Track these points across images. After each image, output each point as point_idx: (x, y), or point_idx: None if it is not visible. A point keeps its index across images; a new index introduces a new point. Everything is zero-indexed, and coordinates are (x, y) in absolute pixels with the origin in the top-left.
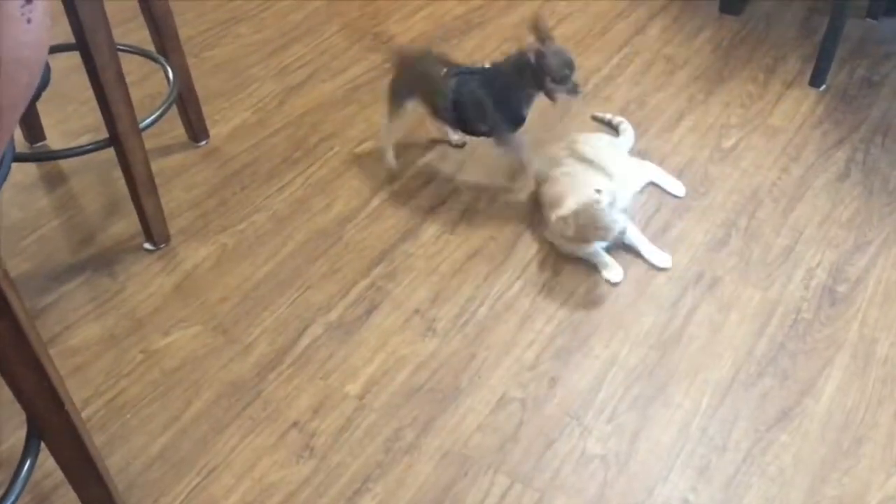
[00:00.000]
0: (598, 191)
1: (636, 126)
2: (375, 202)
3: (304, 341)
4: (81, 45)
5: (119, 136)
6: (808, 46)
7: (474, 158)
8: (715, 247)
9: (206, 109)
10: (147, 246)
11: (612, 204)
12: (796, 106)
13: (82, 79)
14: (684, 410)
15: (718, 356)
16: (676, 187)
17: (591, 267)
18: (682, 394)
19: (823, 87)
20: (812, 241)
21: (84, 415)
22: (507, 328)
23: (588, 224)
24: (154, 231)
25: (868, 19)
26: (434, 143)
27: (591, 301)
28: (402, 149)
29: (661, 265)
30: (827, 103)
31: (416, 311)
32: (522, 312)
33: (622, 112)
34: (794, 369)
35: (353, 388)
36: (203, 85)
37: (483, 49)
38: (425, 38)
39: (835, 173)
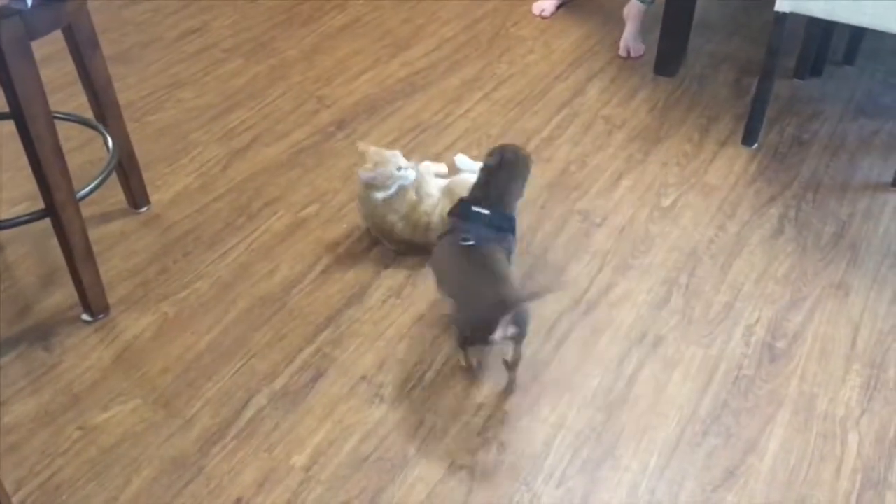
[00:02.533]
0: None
1: (577, 186)
2: (320, 267)
3: (249, 412)
4: (17, 115)
5: (55, 207)
6: (740, 106)
7: None
8: (657, 305)
9: (147, 175)
10: (85, 317)
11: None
12: (730, 164)
13: (18, 145)
14: (632, 472)
15: (664, 416)
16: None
17: (537, 330)
18: (630, 455)
19: (755, 145)
20: (750, 298)
21: (17, 498)
22: (454, 393)
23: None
24: (92, 301)
25: (796, 79)
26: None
27: (537, 363)
28: (347, 212)
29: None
30: (759, 161)
31: (363, 378)
32: (469, 377)
33: (562, 173)
34: (738, 427)
35: (299, 460)
36: (144, 150)
37: (427, 110)
38: (369, 101)
39: (769, 230)
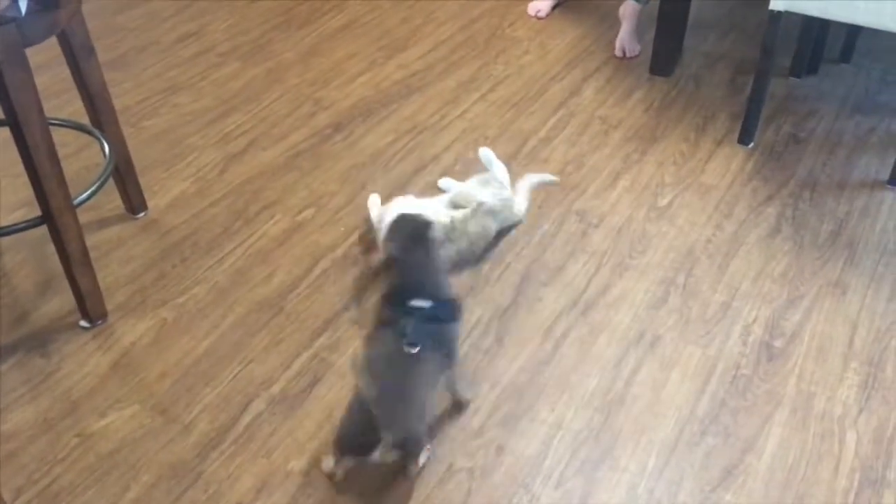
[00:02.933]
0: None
1: (574, 186)
2: (317, 271)
3: (247, 418)
4: (12, 122)
5: (52, 214)
6: (736, 105)
7: None
8: (655, 305)
9: (144, 180)
10: (83, 323)
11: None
12: (727, 163)
13: (14, 152)
14: (631, 473)
15: (662, 416)
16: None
17: (535, 331)
18: (628, 456)
19: (751, 144)
20: (748, 297)
21: None
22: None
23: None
24: (90, 308)
25: (791, 78)
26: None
27: (535, 365)
28: (344, 215)
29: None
30: (756, 160)
31: None
32: (467, 378)
33: (559, 174)
34: (736, 427)
35: (297, 465)
36: (141, 155)
37: (424, 112)
38: (366, 103)
39: (766, 229)
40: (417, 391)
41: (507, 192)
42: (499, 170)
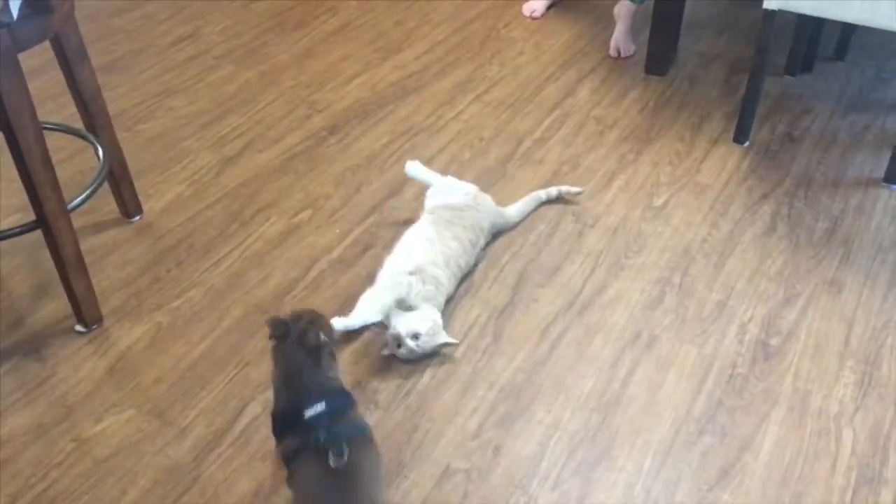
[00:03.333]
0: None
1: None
2: (314, 273)
3: (244, 421)
4: (5, 127)
5: (46, 219)
6: (731, 104)
7: (415, 221)
8: (651, 305)
9: (139, 184)
10: (78, 328)
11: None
12: (722, 162)
13: (8, 157)
14: (628, 473)
15: (659, 416)
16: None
17: (531, 332)
18: (625, 456)
19: (747, 143)
20: (744, 296)
21: None
22: (449, 397)
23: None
24: (85, 312)
25: (786, 76)
26: (373, 208)
27: (531, 366)
28: (340, 217)
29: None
30: (751, 159)
31: (357, 384)
32: (464, 380)
33: (555, 175)
34: (733, 426)
35: None
36: (136, 159)
37: (419, 113)
38: (361, 105)
39: (762, 227)
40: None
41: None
42: (436, 180)
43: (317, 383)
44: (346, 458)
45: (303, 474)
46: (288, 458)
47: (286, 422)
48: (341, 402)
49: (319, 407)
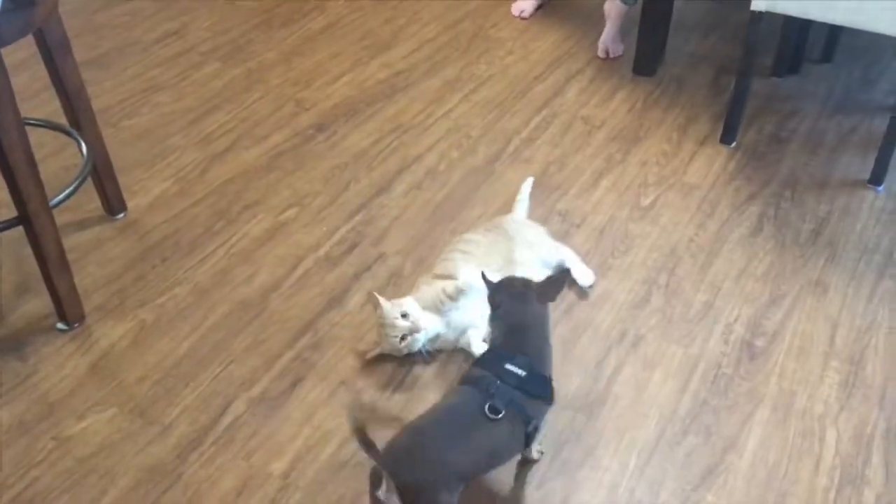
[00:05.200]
0: (405, 314)
1: (557, 187)
2: (300, 271)
3: (227, 419)
4: None
5: (28, 215)
6: (718, 105)
7: (402, 221)
8: (637, 305)
9: (123, 181)
10: (60, 326)
11: (407, 318)
12: (709, 163)
13: None
14: (612, 473)
15: (644, 416)
16: (586, 277)
17: None
18: (610, 456)
19: (734, 144)
20: (730, 296)
21: None
22: (434, 397)
23: (390, 307)
24: (67, 310)
25: (773, 78)
26: (360, 206)
27: None
28: (327, 215)
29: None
30: (738, 160)
31: (342, 383)
32: (450, 379)
33: (542, 174)
34: (717, 425)
35: (277, 467)
36: (121, 155)
37: (408, 112)
38: (349, 103)
39: (748, 228)
40: (465, 455)
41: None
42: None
43: (537, 354)
44: (496, 417)
45: (454, 397)
46: (463, 380)
47: (489, 357)
48: (538, 387)
49: (519, 370)
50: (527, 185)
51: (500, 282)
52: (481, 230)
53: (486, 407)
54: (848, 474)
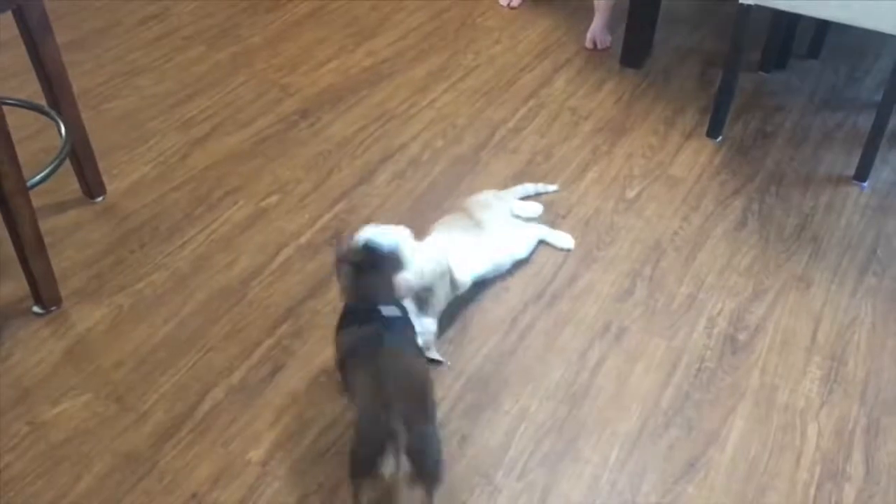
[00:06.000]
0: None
1: (543, 177)
2: (281, 258)
3: (205, 406)
4: None
5: (4, 196)
6: (705, 99)
7: (385, 210)
8: (621, 297)
9: (103, 164)
10: (36, 309)
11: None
12: (695, 157)
13: None
14: (594, 465)
15: (626, 408)
16: (565, 240)
17: (500, 321)
18: (592, 448)
19: (720, 138)
20: (713, 290)
21: None
22: None
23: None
24: (43, 293)
25: (761, 73)
26: (343, 194)
27: (499, 355)
28: (309, 202)
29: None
30: (724, 154)
31: (323, 371)
32: (431, 369)
33: (528, 165)
34: (699, 419)
35: (256, 455)
36: (101, 138)
37: (393, 100)
38: (334, 90)
39: (733, 222)
40: (425, 384)
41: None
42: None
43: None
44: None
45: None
46: (349, 349)
47: (359, 314)
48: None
49: (394, 312)
50: (523, 188)
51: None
52: (447, 215)
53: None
54: (828, 469)
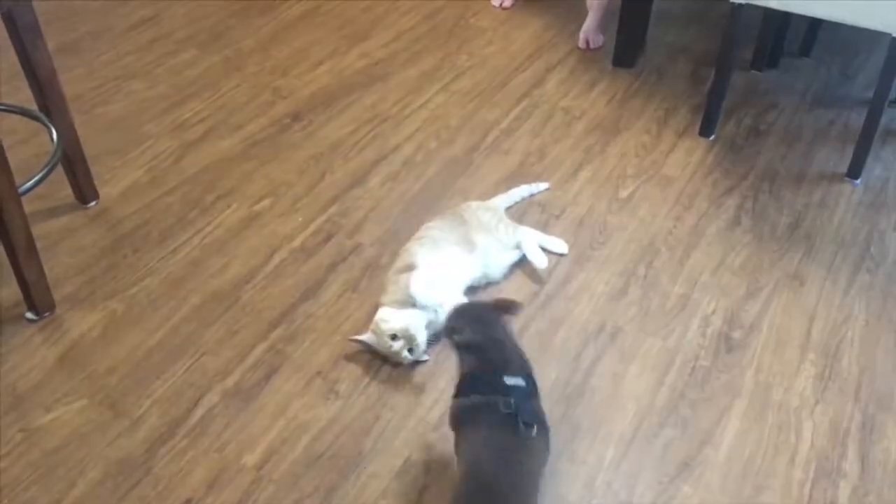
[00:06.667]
0: (394, 335)
1: (536, 178)
2: (275, 261)
3: (199, 411)
4: None
5: None
6: (697, 98)
7: (378, 212)
8: (615, 297)
9: (96, 169)
10: (29, 315)
11: (399, 337)
12: (688, 156)
13: None
14: (589, 465)
15: (621, 408)
16: (558, 245)
17: None
18: (587, 448)
19: (712, 136)
20: (707, 289)
21: None
22: (410, 388)
23: (377, 335)
24: (36, 299)
25: (753, 71)
26: (336, 196)
27: None
28: (302, 206)
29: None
30: (716, 152)
31: (318, 374)
32: (426, 371)
33: (521, 165)
34: (694, 418)
35: (250, 459)
36: (93, 143)
37: (386, 101)
38: (326, 93)
39: (726, 221)
40: (532, 480)
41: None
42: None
43: (518, 358)
44: (532, 433)
45: (482, 434)
46: (464, 416)
47: (483, 377)
48: (533, 386)
49: (518, 380)
50: (518, 191)
51: (456, 309)
52: (438, 218)
53: (520, 425)
54: (824, 467)
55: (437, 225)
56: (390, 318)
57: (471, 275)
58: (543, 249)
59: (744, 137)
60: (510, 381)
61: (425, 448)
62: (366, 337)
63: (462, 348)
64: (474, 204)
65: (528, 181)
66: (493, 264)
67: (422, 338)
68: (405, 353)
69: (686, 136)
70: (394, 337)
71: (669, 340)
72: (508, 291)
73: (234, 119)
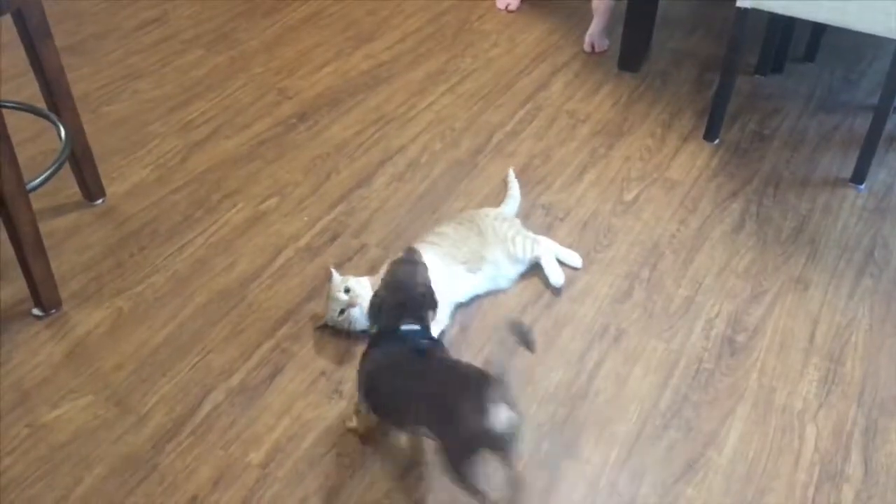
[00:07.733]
0: (347, 289)
1: (541, 180)
2: (280, 260)
3: (205, 409)
4: None
5: (4, 198)
6: (702, 102)
7: (383, 213)
8: (619, 299)
9: (102, 167)
10: (36, 312)
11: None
12: (692, 159)
13: None
14: (593, 466)
15: (625, 409)
16: (574, 259)
17: (499, 324)
18: (591, 449)
19: (717, 140)
20: (711, 292)
21: None
22: None
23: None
24: (43, 296)
25: (757, 76)
26: (341, 197)
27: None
28: (308, 205)
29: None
30: (721, 156)
31: (322, 373)
32: None
33: (526, 167)
34: (698, 420)
35: (255, 457)
36: (100, 142)
37: (391, 103)
38: (332, 93)
39: (730, 224)
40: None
41: None
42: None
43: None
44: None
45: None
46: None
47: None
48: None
49: (414, 327)
50: (513, 181)
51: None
52: (453, 223)
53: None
54: (827, 470)
55: (449, 233)
56: (357, 282)
57: (466, 294)
58: (559, 262)
59: (748, 142)
60: (405, 327)
61: (429, 448)
62: (331, 278)
63: (373, 310)
64: (492, 213)
65: (532, 183)
66: (502, 277)
67: (359, 312)
68: (339, 309)
69: (690, 140)
70: (346, 290)
71: (673, 343)
72: (513, 293)
73: (239, 119)
